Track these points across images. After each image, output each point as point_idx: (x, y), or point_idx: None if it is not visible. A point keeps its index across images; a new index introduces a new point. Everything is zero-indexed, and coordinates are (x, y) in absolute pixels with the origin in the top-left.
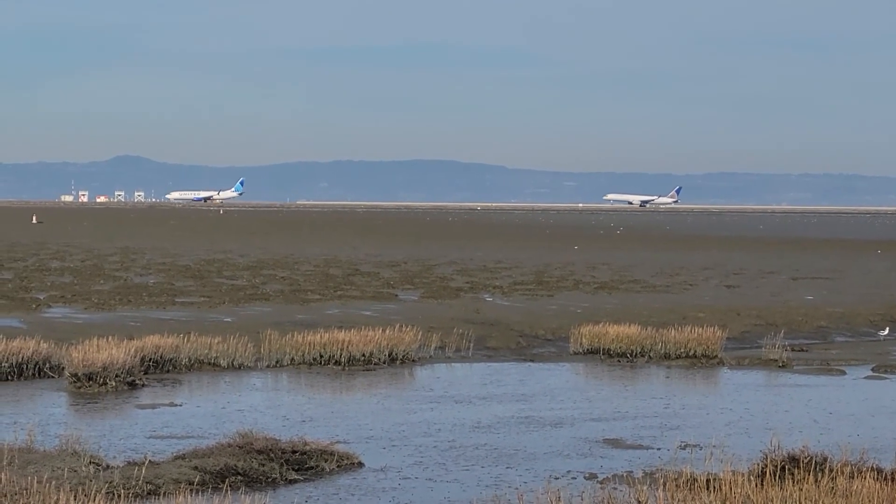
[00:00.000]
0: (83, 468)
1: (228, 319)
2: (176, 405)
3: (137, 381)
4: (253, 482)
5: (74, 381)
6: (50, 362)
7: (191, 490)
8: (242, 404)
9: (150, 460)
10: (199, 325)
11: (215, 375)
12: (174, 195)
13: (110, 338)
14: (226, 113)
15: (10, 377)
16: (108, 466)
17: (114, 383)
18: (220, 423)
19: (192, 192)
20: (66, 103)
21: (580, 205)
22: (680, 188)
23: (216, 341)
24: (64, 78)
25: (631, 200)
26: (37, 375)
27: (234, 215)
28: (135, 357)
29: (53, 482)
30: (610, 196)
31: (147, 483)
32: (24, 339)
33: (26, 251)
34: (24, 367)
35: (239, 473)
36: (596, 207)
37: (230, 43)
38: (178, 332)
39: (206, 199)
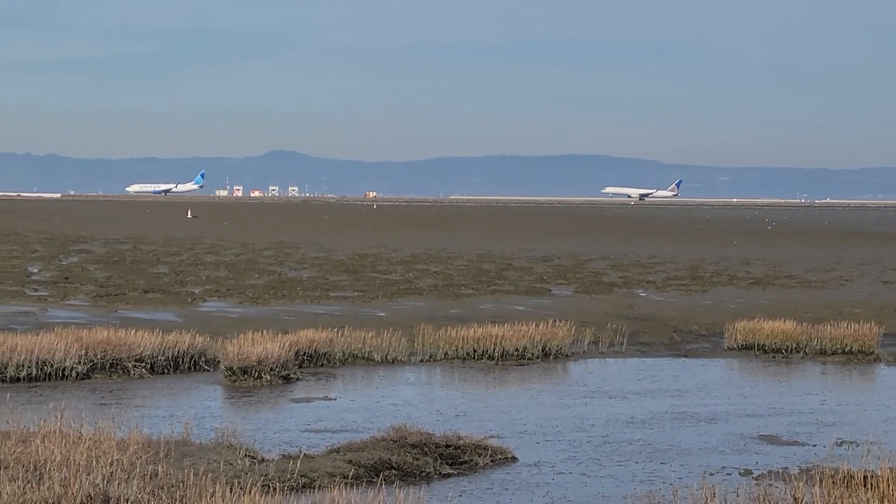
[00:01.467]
0: (239, 461)
1: (382, 314)
2: (330, 399)
3: (292, 375)
4: (407, 476)
5: (229, 375)
6: (205, 356)
7: (345, 483)
8: (396, 398)
9: (304, 454)
10: (352, 319)
11: (369, 370)
12: (134, 188)
13: (265, 332)
14: (381, 108)
15: (166, 371)
16: (263, 459)
17: (268, 377)
18: (373, 417)
19: (153, 185)
20: (223, 99)
21: (734, 200)
22: (680, 181)
23: (370, 335)
24: (220, 73)
25: (630, 194)
26: (192, 369)
27: (387, 210)
28: (289, 351)
29: (210, 475)
30: (609, 189)
31: (302, 476)
32: (180, 333)
33: (182, 246)
34: (180, 360)
35: (393, 467)
36: (595, 200)
37: (386, 38)
38: (331, 326)
39: (165, 191)
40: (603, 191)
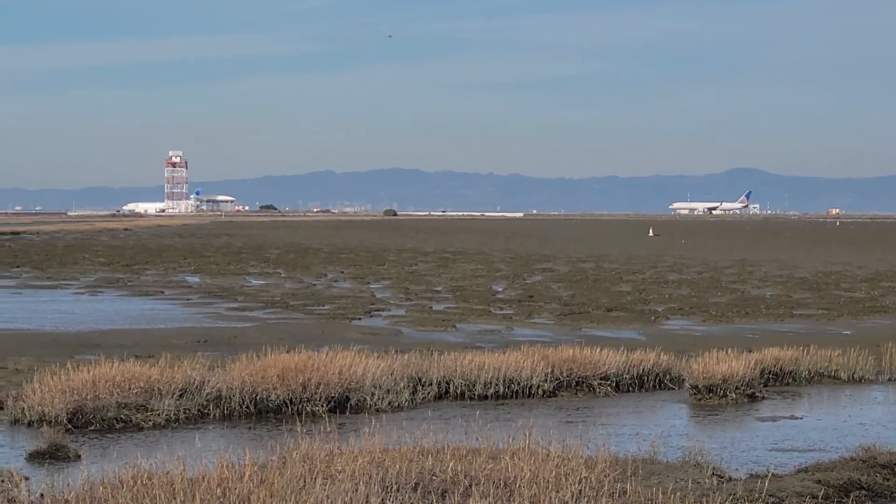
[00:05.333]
0: (706, 480)
1: (847, 332)
2: (796, 418)
3: (757, 394)
4: (877, 497)
5: (694, 393)
6: (670, 374)
7: (814, 503)
8: (864, 418)
9: (772, 473)
10: (817, 337)
11: (835, 388)
12: (127, 206)
13: (729, 350)
14: (842, 122)
15: (631, 389)
16: (730, 478)
17: (734, 395)
18: (841, 436)
19: (154, 205)
20: (684, 116)
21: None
22: (750, 192)
23: (835, 354)
24: (681, 90)
25: (696, 208)
26: (657, 387)
27: (850, 227)
28: (754, 369)
29: (677, 493)
30: (676, 205)
31: (770, 496)
32: (645, 351)
33: (644, 264)
34: (645, 378)
35: (863, 487)
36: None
37: (846, 53)
38: (796, 344)
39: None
40: (670, 207)
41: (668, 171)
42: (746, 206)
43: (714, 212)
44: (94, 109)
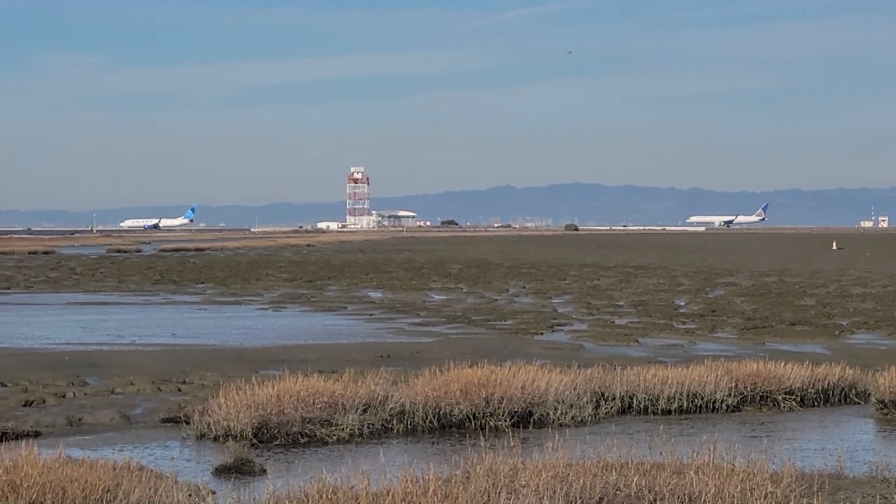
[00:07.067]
0: (894, 495)
1: None
2: None
3: None
4: None
5: (881, 408)
6: (855, 389)
7: None
8: None
9: None
10: None
11: None
12: (127, 223)
13: None
14: None
15: (816, 403)
16: None
17: None
18: None
19: (143, 220)
20: (869, 127)
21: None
22: (766, 206)
23: None
24: (865, 101)
25: (714, 222)
26: (842, 402)
27: None
28: None
29: None
30: (693, 219)
31: None
32: (829, 366)
33: (828, 277)
34: (830, 393)
35: None
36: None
37: None
38: None
39: (154, 226)
40: (687, 220)
41: (851, 184)
42: (764, 220)
43: (730, 225)
44: (277, 126)
